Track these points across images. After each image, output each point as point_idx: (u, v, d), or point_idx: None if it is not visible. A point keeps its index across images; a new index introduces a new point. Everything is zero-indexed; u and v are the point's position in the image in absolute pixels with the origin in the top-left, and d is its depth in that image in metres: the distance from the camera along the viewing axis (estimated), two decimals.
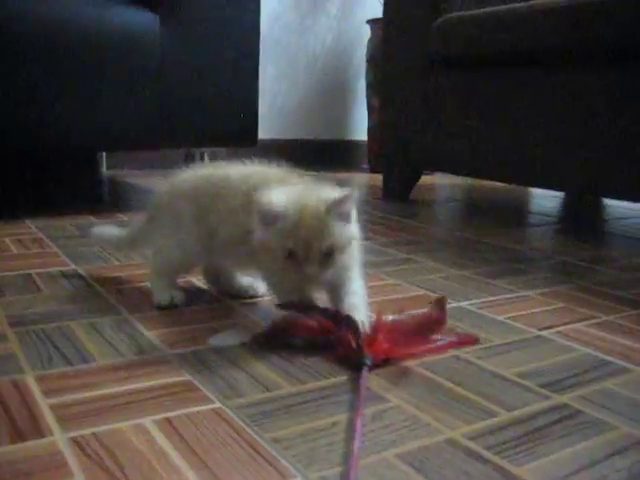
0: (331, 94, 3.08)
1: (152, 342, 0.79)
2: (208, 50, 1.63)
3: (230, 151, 2.84)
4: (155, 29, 1.56)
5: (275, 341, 0.80)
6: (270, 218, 0.76)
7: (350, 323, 0.76)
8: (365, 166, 3.12)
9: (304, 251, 0.75)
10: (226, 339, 0.81)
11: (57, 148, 1.57)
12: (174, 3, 1.58)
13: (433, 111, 1.84)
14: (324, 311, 0.81)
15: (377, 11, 2.95)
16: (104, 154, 2.59)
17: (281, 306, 0.82)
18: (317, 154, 3.06)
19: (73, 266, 1.14)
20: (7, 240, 1.32)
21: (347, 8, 3.07)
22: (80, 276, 1.08)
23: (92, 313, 0.89)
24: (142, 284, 1.04)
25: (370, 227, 1.59)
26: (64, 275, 1.08)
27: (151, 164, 2.68)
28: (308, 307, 0.81)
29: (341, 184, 0.85)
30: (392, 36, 1.98)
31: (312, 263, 0.75)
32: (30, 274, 1.08)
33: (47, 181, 2.02)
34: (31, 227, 1.45)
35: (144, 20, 1.55)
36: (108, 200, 1.95)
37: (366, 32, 2.99)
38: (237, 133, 1.71)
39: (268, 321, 0.84)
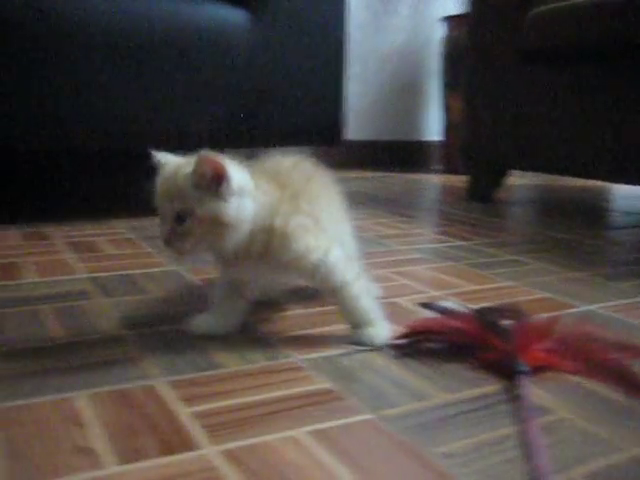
0: (402, 94, 3.01)
1: (279, 347, 0.74)
2: (296, 47, 1.59)
3: (314, 151, 2.81)
4: (246, 27, 1.52)
5: (411, 344, 0.74)
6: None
7: (497, 327, 0.70)
8: (436, 167, 3.04)
9: (160, 210, 0.69)
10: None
11: (137, 147, 1.54)
12: (264, 1, 1.54)
13: (524, 108, 1.76)
14: (465, 314, 0.75)
15: (448, 8, 2.89)
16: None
17: (424, 305, 0.76)
18: (388, 155, 3.00)
19: (173, 266, 1.10)
20: (101, 240, 1.29)
21: (419, 7, 3.00)
22: (181, 276, 1.04)
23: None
24: None
25: (462, 227, 1.52)
26: (166, 275, 1.04)
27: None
28: (447, 309, 0.75)
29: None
30: (479, 31, 1.91)
31: (162, 223, 0.69)
32: (131, 274, 1.04)
33: (125, 180, 2.01)
34: (117, 227, 1.42)
35: (235, 18, 1.52)
36: None
37: (438, 30, 2.93)
38: (322, 132, 1.66)
39: (404, 323, 0.78)
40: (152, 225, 1.45)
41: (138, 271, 1.06)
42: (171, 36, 1.45)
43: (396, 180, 2.52)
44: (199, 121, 1.51)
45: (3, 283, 0.99)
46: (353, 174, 2.69)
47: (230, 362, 0.70)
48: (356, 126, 2.90)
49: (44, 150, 1.50)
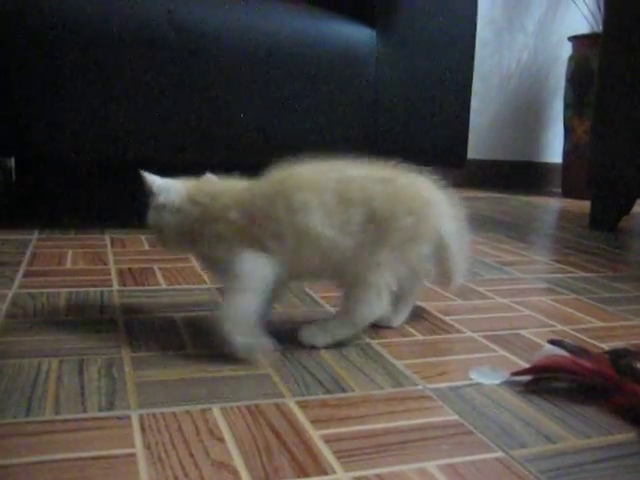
0: (523, 114, 2.95)
1: (404, 373, 0.75)
2: (422, 65, 1.59)
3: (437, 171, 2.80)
4: (372, 45, 1.54)
5: (537, 382, 0.73)
6: None
7: (633, 370, 0.68)
8: (555, 190, 2.96)
9: None
10: (488, 376, 0.74)
11: (265, 159, 1.57)
12: (391, 18, 1.55)
13: None
14: (598, 354, 0.73)
15: (579, 27, 2.81)
16: None
17: (553, 342, 0.74)
18: (505, 175, 2.94)
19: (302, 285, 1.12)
20: None
21: (546, 24, 2.94)
22: (305, 292, 1.06)
23: None
24: None
25: (585, 257, 1.48)
26: (300, 291, 1.06)
27: None
28: (578, 347, 0.73)
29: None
30: (612, 51, 1.85)
31: None
32: None
33: None
34: None
35: (361, 35, 1.53)
36: None
37: (565, 50, 2.85)
38: (445, 153, 1.65)
39: (531, 358, 0.76)
40: None
41: None
42: (298, 52, 1.48)
43: (513, 202, 2.48)
44: (326, 136, 1.53)
45: (139, 288, 1.04)
46: (469, 194, 2.66)
47: (357, 385, 0.71)
48: (474, 144, 2.87)
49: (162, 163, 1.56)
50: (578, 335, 0.91)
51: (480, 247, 1.52)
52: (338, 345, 0.82)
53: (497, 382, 0.73)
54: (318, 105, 1.51)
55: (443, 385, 0.72)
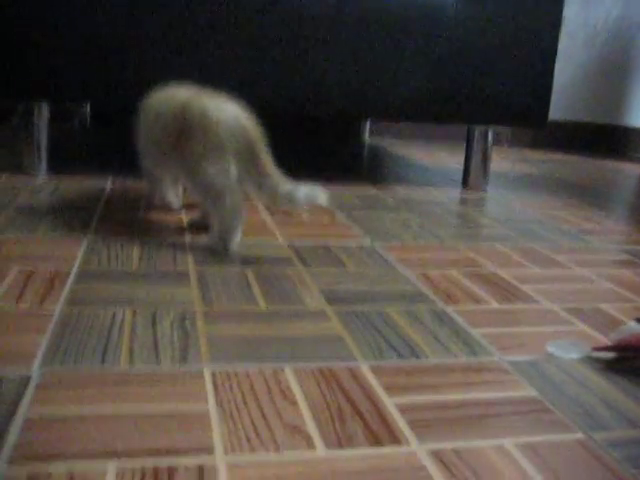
0: (610, 74, 2.83)
1: (481, 343, 0.73)
2: (505, 20, 1.52)
3: (516, 131, 2.72)
4: (451, 1, 1.48)
5: (620, 360, 0.70)
6: None
7: None
8: None
9: None
10: (567, 350, 0.72)
11: (329, 115, 1.54)
12: None
13: None
14: None
15: None
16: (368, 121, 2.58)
17: (639, 320, 0.71)
18: (587, 138, 2.84)
19: (369, 241, 1.10)
20: None
21: None
22: (378, 253, 1.04)
23: (404, 299, 0.84)
24: (452, 270, 0.97)
25: None
26: (363, 250, 1.05)
27: (413, 133, 2.64)
28: None
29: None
30: None
31: None
32: (329, 247, 1.06)
33: (310, 147, 2.04)
34: None
35: None
36: (368, 171, 1.93)
37: None
38: (526, 112, 1.59)
39: (616, 334, 0.73)
40: (347, 195, 1.46)
41: (335, 243, 1.08)
42: (372, 7, 1.43)
43: (594, 167, 2.39)
44: (404, 93, 1.49)
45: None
46: (547, 156, 2.58)
47: (432, 352, 0.69)
48: (555, 104, 2.77)
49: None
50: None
51: (558, 213, 1.47)
52: (412, 309, 0.80)
53: (576, 357, 0.70)
54: (400, 62, 1.47)
55: (520, 358, 0.70)
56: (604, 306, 0.88)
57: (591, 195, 1.75)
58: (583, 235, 1.28)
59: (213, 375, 0.61)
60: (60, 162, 1.62)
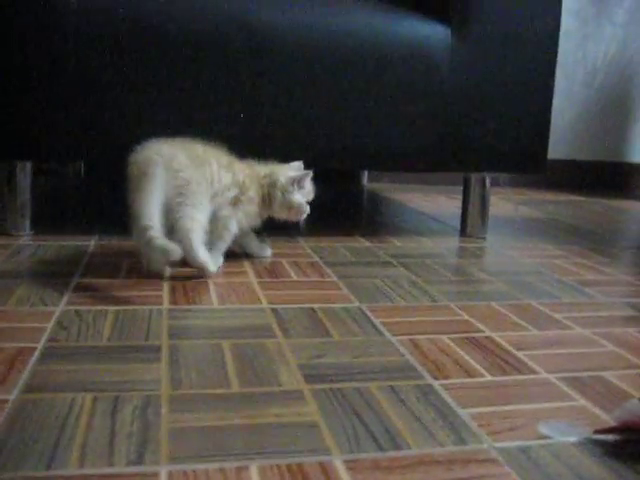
0: (610, 111, 2.79)
1: (469, 427, 0.66)
2: (502, 67, 1.48)
3: (514, 177, 2.68)
4: (446, 44, 1.44)
5: (624, 445, 0.63)
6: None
7: None
8: None
9: None
10: (563, 431, 0.65)
11: (325, 167, 1.49)
12: (468, 15, 1.45)
13: None
14: None
15: None
16: None
17: None
18: (589, 177, 2.79)
19: (357, 303, 1.05)
20: (285, 263, 1.27)
21: (637, 14, 2.76)
22: (365, 316, 0.98)
23: (389, 372, 0.78)
24: (443, 336, 0.92)
25: None
26: (348, 314, 0.99)
27: (411, 177, 2.59)
28: None
29: None
30: None
31: None
32: (314, 309, 1.00)
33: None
34: (304, 248, 1.40)
35: (435, 34, 1.44)
36: (368, 218, 1.88)
37: None
38: (523, 158, 1.54)
39: (620, 413, 0.67)
40: (339, 249, 1.41)
41: (319, 305, 1.02)
42: (367, 50, 1.40)
43: (597, 207, 2.34)
44: (392, 142, 1.45)
45: (190, 307, 0.99)
46: (548, 196, 2.53)
47: (415, 441, 0.63)
48: (555, 144, 2.72)
49: None
50: None
51: (559, 262, 1.41)
52: (397, 386, 0.74)
53: (574, 440, 0.64)
54: (389, 110, 1.43)
55: (512, 444, 0.63)
56: (607, 374, 0.82)
57: (594, 240, 1.70)
58: (585, 287, 1.22)
59: (170, 477, 0.55)
60: (46, 220, 1.58)
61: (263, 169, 1.25)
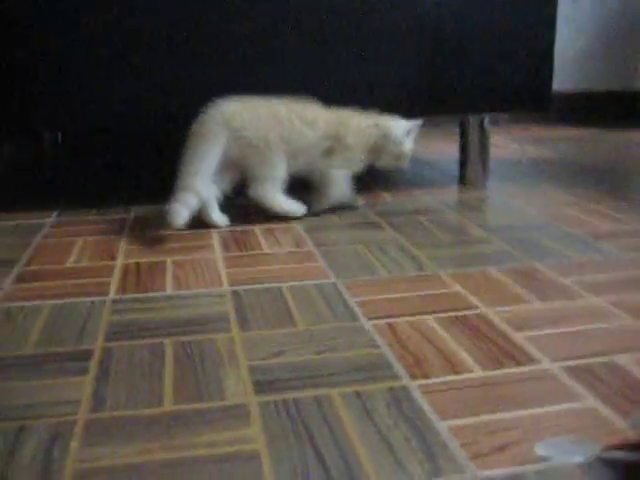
0: (624, 35, 2.57)
1: (448, 447, 0.53)
2: None
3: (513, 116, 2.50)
4: None
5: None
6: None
7: None
8: None
9: None
10: (566, 451, 0.52)
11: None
12: None
13: None
14: None
15: None
16: None
17: None
18: (603, 108, 2.59)
19: (332, 278, 0.91)
20: (258, 231, 1.13)
21: None
22: (340, 295, 0.85)
23: (358, 372, 0.65)
24: (428, 317, 0.78)
25: None
26: (321, 293, 0.86)
27: None
28: None
29: None
30: None
31: None
32: (280, 289, 0.87)
33: None
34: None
35: None
36: None
37: None
38: (525, 94, 1.38)
39: (635, 421, 0.53)
40: (321, 214, 1.27)
41: (289, 284, 0.89)
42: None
43: (611, 141, 2.16)
44: (379, 84, 1.29)
45: (139, 296, 0.86)
46: (558, 132, 2.35)
47: (378, 474, 0.50)
48: (564, 74, 2.53)
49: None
50: None
51: (568, 211, 1.26)
52: (365, 391, 0.61)
53: (580, 461, 0.51)
54: (374, 49, 1.27)
55: (500, 472, 0.50)
56: (623, 359, 0.68)
57: (611, 181, 1.53)
58: (598, 241, 1.07)
59: None
60: (6, 196, 1.45)
61: (364, 119, 1.22)
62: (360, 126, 1.21)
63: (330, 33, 1.25)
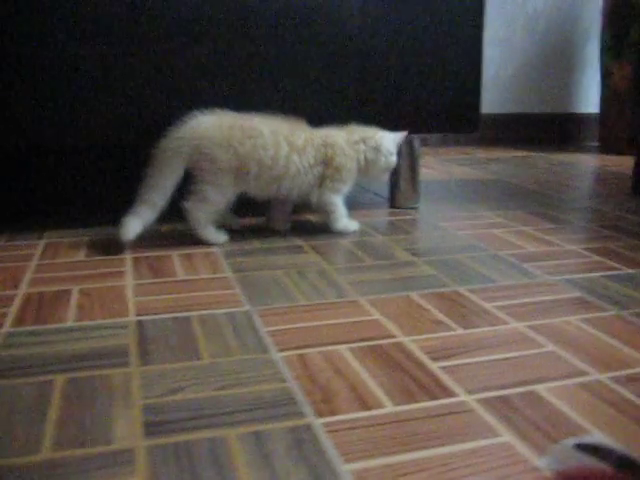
0: (553, 59, 2.61)
1: None
2: (418, 12, 1.29)
3: (442, 137, 2.50)
4: None
5: None
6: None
7: None
8: (591, 144, 2.64)
9: None
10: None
11: None
12: None
13: None
14: (623, 458, 0.46)
15: None
16: None
17: (580, 447, 0.47)
18: (536, 130, 2.62)
19: (247, 306, 0.86)
20: (176, 257, 1.08)
21: None
22: (252, 325, 0.79)
23: (260, 410, 0.60)
24: (342, 347, 0.73)
25: (628, 241, 1.19)
26: (232, 322, 0.80)
27: None
28: (618, 457, 0.46)
29: None
30: None
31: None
32: (189, 318, 0.81)
33: None
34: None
35: None
36: None
37: None
38: (453, 118, 1.36)
39: (553, 462, 0.49)
40: (245, 233, 1.21)
41: (200, 312, 0.83)
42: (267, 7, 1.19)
43: (542, 162, 2.17)
44: (307, 104, 1.25)
45: (36, 329, 0.79)
46: (490, 154, 2.35)
47: None
48: (497, 97, 2.55)
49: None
50: (620, 391, 0.64)
51: (496, 232, 1.23)
52: (265, 431, 0.56)
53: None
54: (299, 66, 1.23)
55: None
56: (542, 388, 0.64)
57: (537, 201, 1.53)
58: (524, 263, 1.04)
59: None
60: None
61: (349, 136, 1.20)
62: (347, 144, 1.18)
63: (258, 51, 1.21)
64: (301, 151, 1.13)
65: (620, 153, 2.34)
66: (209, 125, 1.10)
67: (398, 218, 1.35)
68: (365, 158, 1.20)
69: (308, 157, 1.13)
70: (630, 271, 1.02)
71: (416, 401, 0.61)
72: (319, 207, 1.19)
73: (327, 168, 1.16)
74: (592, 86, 2.61)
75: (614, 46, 2.31)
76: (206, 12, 1.17)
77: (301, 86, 1.24)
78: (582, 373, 0.68)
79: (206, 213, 1.11)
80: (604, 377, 0.67)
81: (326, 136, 1.17)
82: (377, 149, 1.20)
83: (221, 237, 1.15)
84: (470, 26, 1.33)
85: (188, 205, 1.10)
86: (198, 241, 1.13)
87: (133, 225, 1.06)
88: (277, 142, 1.11)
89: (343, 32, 1.25)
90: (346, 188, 1.20)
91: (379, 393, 0.63)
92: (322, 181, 1.16)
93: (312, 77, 1.24)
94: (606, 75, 2.38)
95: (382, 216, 1.35)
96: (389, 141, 1.22)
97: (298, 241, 1.17)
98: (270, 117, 1.14)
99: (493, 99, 2.54)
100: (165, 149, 1.08)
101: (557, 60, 2.61)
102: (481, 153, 2.38)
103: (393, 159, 1.23)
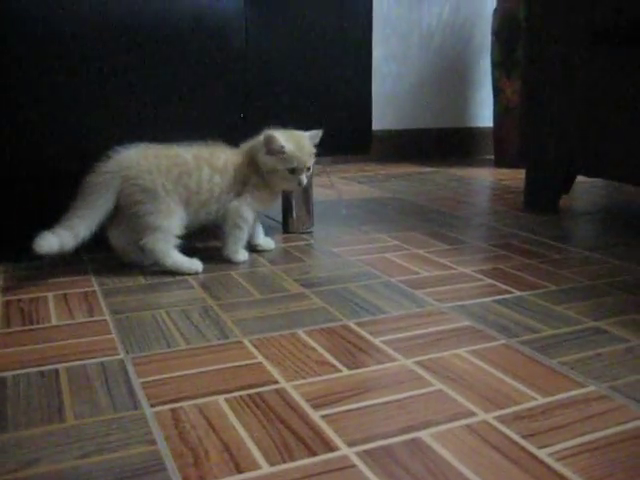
0: (448, 75, 2.65)
1: None
2: (306, 32, 1.26)
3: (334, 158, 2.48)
4: (239, 10, 1.20)
5: None
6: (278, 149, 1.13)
7: None
8: (487, 157, 2.69)
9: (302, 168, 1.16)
10: None
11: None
12: None
13: (598, 97, 1.41)
14: None
15: None
16: None
17: None
18: (433, 145, 2.65)
19: (121, 353, 0.80)
20: (51, 298, 1.00)
21: None
22: (125, 376, 0.74)
23: (127, 478, 0.54)
24: (219, 398, 0.68)
25: (520, 260, 1.19)
26: (103, 372, 0.75)
27: None
28: None
29: None
30: (540, 5, 1.55)
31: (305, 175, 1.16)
32: (57, 372, 0.75)
33: None
34: (87, 270, 1.13)
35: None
36: None
37: (490, 2, 2.56)
38: (344, 138, 1.34)
39: None
40: (129, 270, 1.15)
41: (67, 364, 0.77)
42: (149, 25, 1.14)
43: (439, 178, 2.18)
44: (191, 122, 1.20)
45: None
46: (390, 170, 2.36)
47: None
48: (394, 113, 2.56)
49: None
50: (505, 431, 0.61)
51: (389, 256, 1.21)
52: None
53: None
54: (179, 89, 1.18)
55: None
56: (426, 435, 0.61)
57: (432, 220, 1.52)
58: (416, 290, 1.02)
59: None
60: None
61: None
62: (264, 159, 1.15)
63: (147, 72, 1.15)
64: (222, 171, 1.13)
65: (514, 166, 2.39)
66: (134, 156, 1.08)
67: (291, 244, 1.31)
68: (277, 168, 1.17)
69: (228, 176, 1.14)
70: (519, 293, 1.01)
71: (293, 459, 0.57)
72: (229, 218, 1.15)
73: (246, 186, 1.16)
74: (486, 101, 2.66)
75: (504, 62, 2.36)
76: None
77: (194, 107, 1.19)
78: (468, 414, 0.65)
79: (166, 242, 1.08)
80: (490, 417, 0.65)
81: (247, 152, 1.17)
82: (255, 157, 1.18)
83: (195, 264, 1.11)
84: (359, 54, 1.31)
85: (145, 241, 1.07)
86: (170, 273, 1.10)
87: (50, 241, 0.99)
88: (199, 166, 1.11)
89: (225, 53, 1.20)
90: (265, 205, 1.20)
91: (254, 452, 0.59)
92: (241, 196, 1.16)
93: (203, 99, 1.19)
94: (498, 90, 2.43)
95: (275, 243, 1.31)
96: (259, 144, 1.18)
97: (183, 275, 1.11)
98: (189, 144, 1.13)
99: (390, 115, 2.55)
100: (94, 183, 1.05)
101: (452, 76, 2.65)
102: (381, 170, 2.37)
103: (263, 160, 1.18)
